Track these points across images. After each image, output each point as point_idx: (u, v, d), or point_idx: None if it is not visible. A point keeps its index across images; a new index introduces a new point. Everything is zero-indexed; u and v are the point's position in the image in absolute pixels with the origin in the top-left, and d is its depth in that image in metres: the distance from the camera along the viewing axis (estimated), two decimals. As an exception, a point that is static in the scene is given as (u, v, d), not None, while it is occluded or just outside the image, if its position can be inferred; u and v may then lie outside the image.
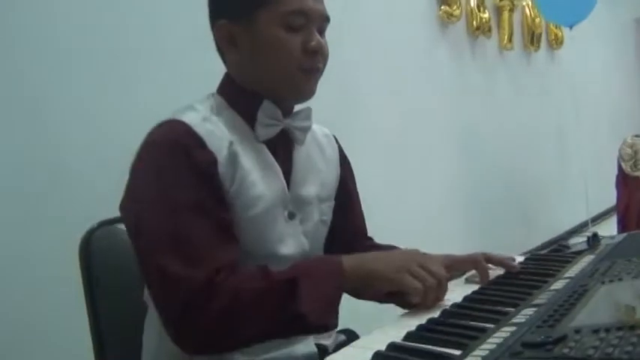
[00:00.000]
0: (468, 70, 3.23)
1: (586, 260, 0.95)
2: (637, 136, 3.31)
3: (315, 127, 1.02)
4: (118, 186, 0.86)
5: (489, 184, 3.22)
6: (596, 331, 0.54)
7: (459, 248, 1.01)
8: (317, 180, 1.00)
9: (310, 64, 0.89)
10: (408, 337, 0.68)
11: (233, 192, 0.86)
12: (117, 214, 0.90)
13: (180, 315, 0.76)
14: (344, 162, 1.09)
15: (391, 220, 2.05)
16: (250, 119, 0.91)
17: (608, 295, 0.70)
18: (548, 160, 3.86)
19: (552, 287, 0.82)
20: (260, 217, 0.89)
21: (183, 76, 1.73)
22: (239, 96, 0.93)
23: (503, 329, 0.66)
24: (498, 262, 0.96)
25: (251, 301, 0.77)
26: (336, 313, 0.82)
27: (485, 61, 3.40)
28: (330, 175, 1.04)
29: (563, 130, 4.11)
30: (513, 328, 0.65)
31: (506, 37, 3.49)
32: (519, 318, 0.69)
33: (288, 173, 0.94)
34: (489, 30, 3.33)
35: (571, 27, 2.62)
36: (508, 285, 0.89)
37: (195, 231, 0.80)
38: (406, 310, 0.84)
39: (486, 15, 3.29)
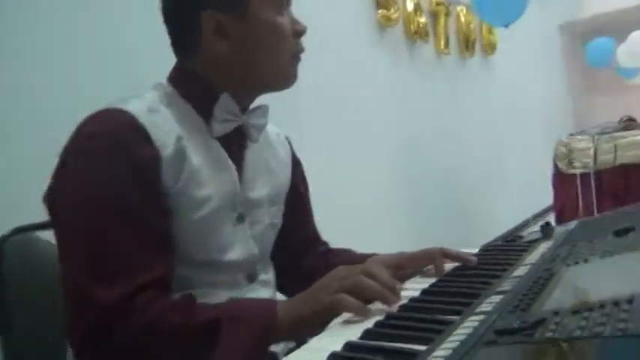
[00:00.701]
0: (406, 73, 3.24)
1: (544, 247, 0.92)
2: (572, 135, 3.42)
3: (267, 126, 0.95)
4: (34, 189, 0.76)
5: (428, 185, 3.24)
6: (576, 312, 0.49)
7: (398, 248, 0.96)
8: (268, 181, 0.94)
9: (299, 48, 0.87)
10: (367, 334, 0.62)
11: (177, 192, 0.78)
12: (32, 220, 0.79)
13: (81, 340, 0.69)
14: (296, 165, 1.04)
15: (330, 220, 2.01)
16: (205, 113, 0.84)
17: (578, 277, 0.65)
18: (486, 162, 3.93)
19: (514, 274, 0.77)
20: (206, 219, 0.81)
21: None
22: (195, 88, 0.85)
23: (470, 319, 0.60)
24: (456, 257, 0.91)
25: (164, 336, 0.69)
26: None
27: (424, 65, 3.43)
28: (282, 177, 0.98)
29: (499, 133, 4.20)
30: (481, 317, 0.60)
31: (442, 42, 3.53)
32: (485, 306, 0.64)
33: (239, 173, 0.87)
34: (426, 34, 3.36)
35: (506, 26, 2.67)
36: (467, 276, 0.84)
37: (119, 241, 0.72)
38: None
39: (423, 19, 3.31)
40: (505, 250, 0.97)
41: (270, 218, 0.93)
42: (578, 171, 3.10)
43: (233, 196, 0.85)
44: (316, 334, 0.68)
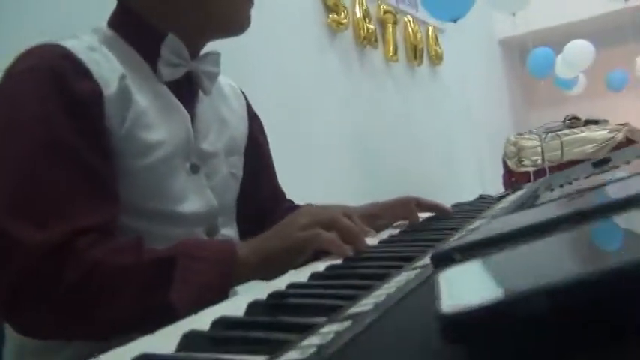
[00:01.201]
0: (357, 78, 3.25)
1: (518, 193, 0.90)
2: (519, 134, 3.50)
3: (220, 77, 0.90)
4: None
5: (380, 189, 3.22)
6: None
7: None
8: (223, 133, 0.88)
9: None
10: (312, 277, 0.54)
11: (123, 134, 0.72)
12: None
13: (12, 287, 0.59)
14: (253, 117, 0.98)
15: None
16: (151, 57, 0.78)
17: (572, 189, 0.62)
18: (437, 165, 3.96)
19: (495, 210, 0.74)
20: (156, 167, 0.75)
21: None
22: (138, 30, 0.79)
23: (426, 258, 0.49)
24: (430, 206, 0.87)
25: (111, 279, 0.61)
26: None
27: (374, 71, 3.45)
28: (238, 129, 0.93)
29: (449, 140, 4.26)
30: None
31: (391, 49, 3.57)
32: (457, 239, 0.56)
33: (191, 123, 0.81)
34: (376, 41, 3.39)
35: (455, 20, 2.71)
36: (441, 221, 0.80)
37: (54, 180, 0.64)
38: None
39: (372, 26, 3.34)
40: (480, 202, 0.95)
41: (229, 168, 0.88)
42: (527, 169, 3.17)
43: (186, 144, 0.79)
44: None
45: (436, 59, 4.28)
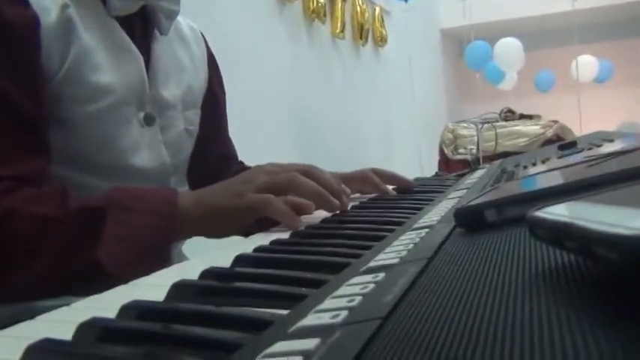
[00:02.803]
0: (302, 52, 3.20)
1: (482, 171, 0.90)
2: (457, 122, 3.58)
3: (179, 18, 0.83)
4: None
5: (317, 160, 3.22)
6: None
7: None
8: (182, 80, 0.82)
9: None
10: (294, 235, 0.51)
11: (64, 74, 0.65)
12: None
13: None
14: (213, 66, 0.92)
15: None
16: None
17: (548, 168, 0.61)
18: (375, 145, 4.01)
19: (464, 185, 0.73)
20: (104, 115, 0.68)
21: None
22: None
23: (424, 220, 0.46)
24: (391, 178, 0.84)
25: (28, 231, 0.54)
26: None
27: (321, 46, 3.41)
28: (198, 77, 0.87)
29: (387, 121, 4.32)
30: (436, 219, 0.45)
31: (339, 25, 3.54)
32: (434, 215, 0.48)
33: (146, 68, 0.75)
34: (324, 15, 3.34)
35: (406, 0, 2.70)
36: (406, 195, 0.77)
37: None
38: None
39: (322, 0, 3.29)
40: (442, 178, 0.94)
41: (185, 123, 0.82)
42: (462, 157, 3.25)
43: (140, 90, 0.73)
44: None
45: (380, 41, 4.30)
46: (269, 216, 0.56)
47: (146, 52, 0.76)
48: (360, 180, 0.83)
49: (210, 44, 0.93)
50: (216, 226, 0.59)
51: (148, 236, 0.55)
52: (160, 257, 0.55)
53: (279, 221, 0.56)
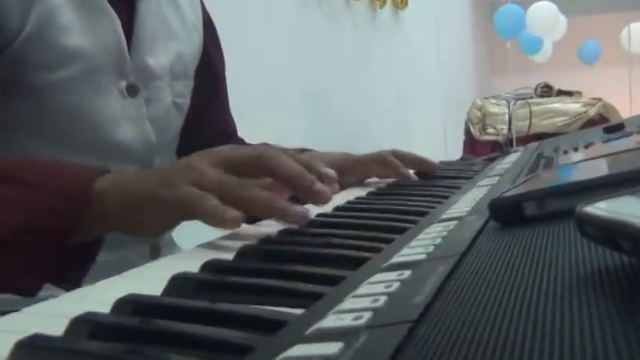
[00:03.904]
0: (311, 15, 3.18)
1: (515, 155, 0.90)
2: (486, 98, 3.57)
3: None
4: None
5: (329, 139, 3.22)
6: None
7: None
8: (171, 46, 0.81)
9: None
10: (284, 233, 0.48)
11: (25, 37, 0.64)
12: None
13: None
14: (209, 29, 0.91)
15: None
16: None
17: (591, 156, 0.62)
18: (390, 122, 4.00)
19: (495, 171, 0.73)
20: (74, 82, 0.68)
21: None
22: None
23: (452, 210, 0.46)
24: (414, 161, 0.84)
25: None
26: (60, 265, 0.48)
27: (331, 8, 3.38)
28: (189, 43, 0.86)
29: (408, 93, 4.30)
30: (466, 210, 0.45)
31: (354, -16, 3.51)
32: (463, 205, 0.48)
33: (129, 31, 0.74)
34: (337, -28, 3.31)
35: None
36: (430, 182, 0.77)
37: None
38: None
39: (335, -44, 3.26)
40: (469, 163, 0.94)
41: (174, 96, 0.82)
42: (490, 137, 3.24)
43: (118, 56, 0.73)
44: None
45: (401, 3, 4.26)
46: (196, 219, 0.46)
47: (128, 13, 0.75)
48: (377, 162, 0.83)
49: (211, 12, 0.93)
50: (135, 220, 0.50)
51: (40, 221, 0.46)
52: (69, 254, 0.47)
53: (211, 225, 0.46)
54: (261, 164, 0.49)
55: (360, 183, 0.86)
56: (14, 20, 0.63)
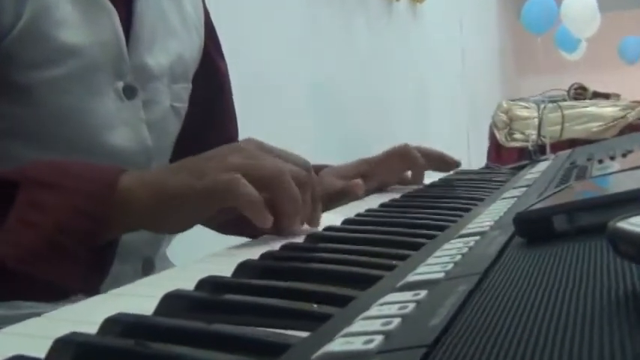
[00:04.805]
0: (320, 7, 3.20)
1: (545, 164, 0.90)
2: (513, 100, 3.56)
3: None
4: None
5: (339, 143, 3.23)
6: None
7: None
8: (171, 46, 0.83)
9: None
10: (308, 239, 0.51)
11: (18, 33, 0.66)
12: None
13: None
14: (210, 31, 0.93)
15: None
16: None
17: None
18: (406, 126, 4.01)
19: (522, 181, 0.74)
20: (69, 82, 0.70)
21: None
22: None
23: (473, 225, 0.46)
24: (434, 157, 0.87)
25: None
26: (89, 266, 0.52)
27: (343, 1, 3.40)
28: (190, 43, 0.87)
29: (422, 96, 4.31)
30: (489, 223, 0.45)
31: (367, -26, 3.53)
32: (486, 219, 0.48)
33: (126, 28, 0.76)
34: (349, -40, 3.33)
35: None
36: (454, 186, 0.79)
37: None
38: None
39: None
40: (492, 172, 0.95)
41: (172, 99, 0.83)
42: (517, 144, 3.24)
43: (116, 54, 0.74)
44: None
45: (419, -5, 4.28)
46: (232, 204, 0.52)
47: (126, 8, 0.76)
48: (396, 160, 0.87)
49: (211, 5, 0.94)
50: (166, 215, 0.55)
51: (69, 223, 0.50)
52: (92, 257, 0.51)
53: (245, 212, 0.52)
54: (280, 183, 0.54)
55: (381, 190, 0.88)
56: (8, 14, 0.65)
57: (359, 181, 0.79)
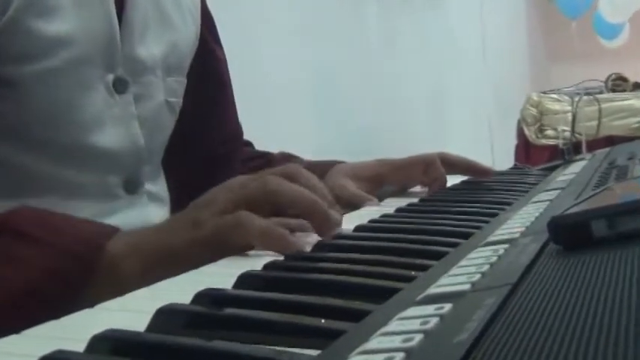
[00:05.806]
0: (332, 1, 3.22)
1: (580, 164, 0.91)
2: (544, 93, 3.56)
3: None
4: None
5: (345, 144, 3.24)
6: None
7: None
8: (165, 34, 0.84)
9: None
10: (316, 248, 0.52)
11: (5, 24, 0.67)
12: None
13: None
14: (207, 20, 0.95)
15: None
16: None
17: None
18: (422, 123, 4.01)
19: (555, 183, 0.74)
20: (57, 75, 0.71)
21: None
22: None
23: (501, 231, 0.47)
24: (465, 166, 0.89)
25: None
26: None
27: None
28: (185, 33, 0.89)
29: (440, 89, 4.31)
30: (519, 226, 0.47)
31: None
32: (515, 225, 0.49)
33: (118, 15, 0.77)
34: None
35: None
36: (479, 189, 0.80)
37: None
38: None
39: None
40: (524, 174, 0.96)
41: (166, 94, 0.84)
42: (549, 142, 3.24)
43: (108, 44, 0.75)
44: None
45: (437, -20, 4.29)
46: (244, 243, 0.53)
47: None
48: (422, 165, 0.87)
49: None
50: (162, 276, 0.51)
51: (42, 284, 0.51)
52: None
53: (263, 247, 0.53)
54: (274, 192, 0.55)
55: (401, 193, 0.89)
56: None
57: (374, 199, 0.80)
